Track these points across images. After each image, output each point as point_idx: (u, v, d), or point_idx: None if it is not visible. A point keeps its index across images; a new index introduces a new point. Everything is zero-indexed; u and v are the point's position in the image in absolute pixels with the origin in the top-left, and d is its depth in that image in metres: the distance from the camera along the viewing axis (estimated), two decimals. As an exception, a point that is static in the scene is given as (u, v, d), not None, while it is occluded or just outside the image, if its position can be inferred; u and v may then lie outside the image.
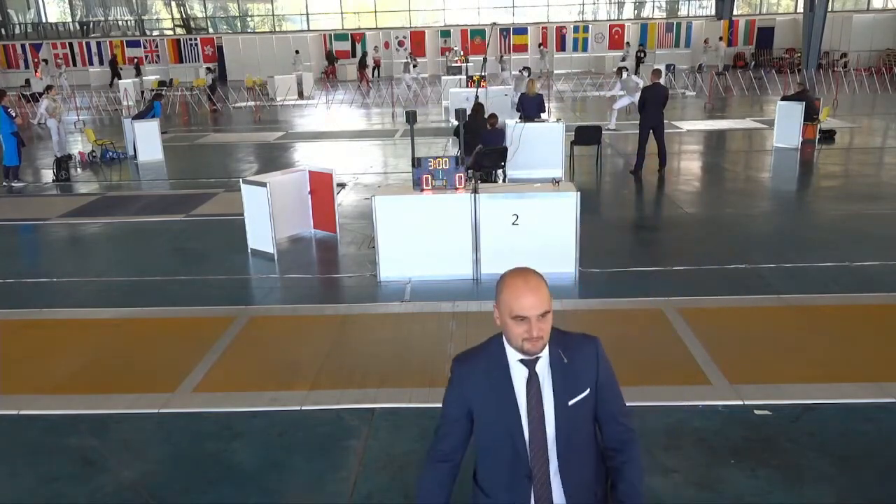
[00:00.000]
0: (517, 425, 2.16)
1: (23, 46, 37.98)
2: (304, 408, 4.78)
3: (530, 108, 12.80)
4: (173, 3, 41.66)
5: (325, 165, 9.00)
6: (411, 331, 5.98)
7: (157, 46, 38.16)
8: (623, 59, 29.85)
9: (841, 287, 6.64)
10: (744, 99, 22.80)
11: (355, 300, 6.79)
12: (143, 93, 26.33)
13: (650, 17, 40.15)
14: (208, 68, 31.55)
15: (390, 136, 17.16)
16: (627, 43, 34.53)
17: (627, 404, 2.32)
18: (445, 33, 36.72)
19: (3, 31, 40.09)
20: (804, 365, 5.15)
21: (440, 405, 2.30)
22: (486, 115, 11.38)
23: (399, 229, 7.10)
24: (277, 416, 4.70)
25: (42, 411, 4.85)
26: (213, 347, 5.72)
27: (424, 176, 7.05)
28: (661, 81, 12.18)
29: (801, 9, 33.01)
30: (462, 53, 33.41)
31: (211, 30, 41.52)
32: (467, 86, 20.10)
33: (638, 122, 12.13)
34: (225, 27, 41.86)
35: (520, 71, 22.19)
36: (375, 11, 39.92)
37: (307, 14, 40.11)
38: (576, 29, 36.97)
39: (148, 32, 41.21)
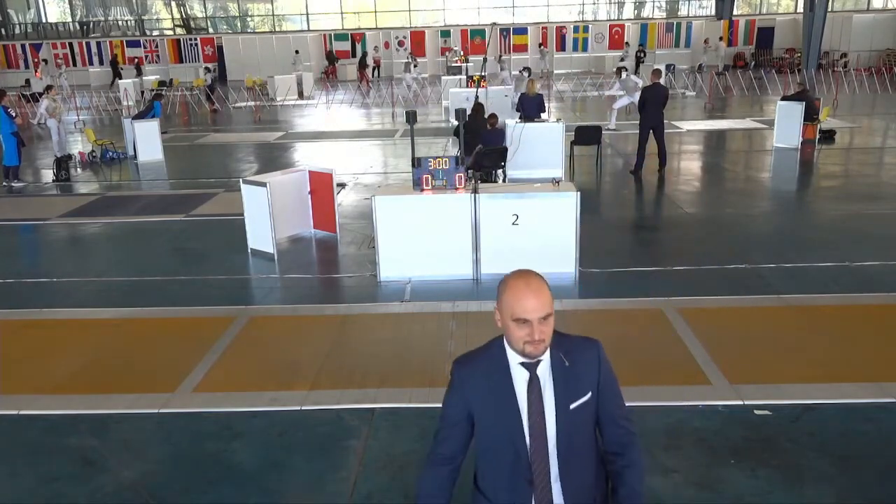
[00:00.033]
0: (518, 429, 2.15)
1: (23, 46, 37.99)
2: (304, 408, 4.78)
3: (530, 108, 12.80)
4: (173, 3, 41.66)
5: (325, 165, 9.00)
6: (411, 331, 5.98)
7: (157, 46, 38.16)
8: (622, 60, 29.83)
9: (841, 287, 6.64)
10: (744, 99, 22.80)
11: (355, 300, 6.79)
12: (143, 93, 26.33)
13: (650, 17, 40.15)
14: (207, 68, 31.54)
15: (390, 136, 17.16)
16: (627, 43, 34.53)
17: (627, 404, 2.31)
18: (445, 33, 36.72)
19: (3, 31, 40.10)
20: (804, 365, 5.15)
21: (440, 406, 2.29)
22: (486, 115, 11.38)
23: (399, 229, 7.10)
24: (277, 416, 4.70)
25: (42, 411, 4.85)
26: (213, 347, 5.72)
27: (424, 176, 7.05)
28: (661, 81, 12.18)
29: (801, 9, 33.01)
30: (462, 53, 33.41)
31: (211, 30, 41.52)
32: (467, 86, 20.10)
33: (638, 122, 12.13)
34: (225, 27, 41.86)
35: (520, 71, 22.20)
36: (375, 11, 39.92)
37: (307, 14, 40.11)
38: (576, 29, 36.97)
39: (148, 32, 41.21)
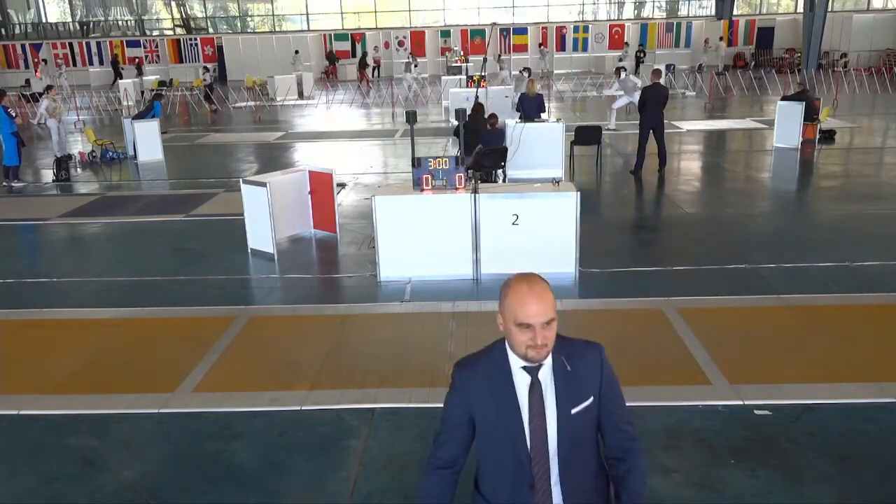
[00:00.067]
0: (519, 432, 2.14)
1: (23, 46, 37.99)
2: (304, 408, 4.78)
3: (530, 108, 12.81)
4: (173, 3, 41.66)
5: (325, 165, 9.00)
6: (411, 331, 5.98)
7: (157, 46, 38.16)
8: (621, 60, 29.83)
9: (841, 287, 6.64)
10: (744, 99, 22.80)
11: (355, 300, 6.79)
12: (143, 93, 26.33)
13: (650, 17, 40.15)
14: (205, 67, 31.52)
15: (390, 136, 17.16)
16: (626, 43, 34.54)
17: (628, 404, 2.31)
18: (445, 33, 36.72)
19: (3, 31, 40.10)
20: (804, 365, 5.15)
21: (440, 405, 2.29)
22: (486, 115, 11.38)
23: (399, 229, 7.10)
24: (277, 416, 4.70)
25: (42, 411, 4.85)
26: (213, 347, 5.72)
27: (424, 176, 7.05)
28: (661, 81, 12.18)
29: (801, 9, 33.01)
30: (462, 53, 33.41)
31: (211, 30, 41.53)
32: (467, 86, 20.10)
33: (638, 122, 12.13)
34: (225, 27, 41.86)
35: (520, 71, 22.19)
36: (375, 11, 39.93)
37: (307, 14, 40.11)
38: (576, 29, 36.97)
39: (148, 32, 41.21)
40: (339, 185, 9.91)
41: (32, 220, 10.36)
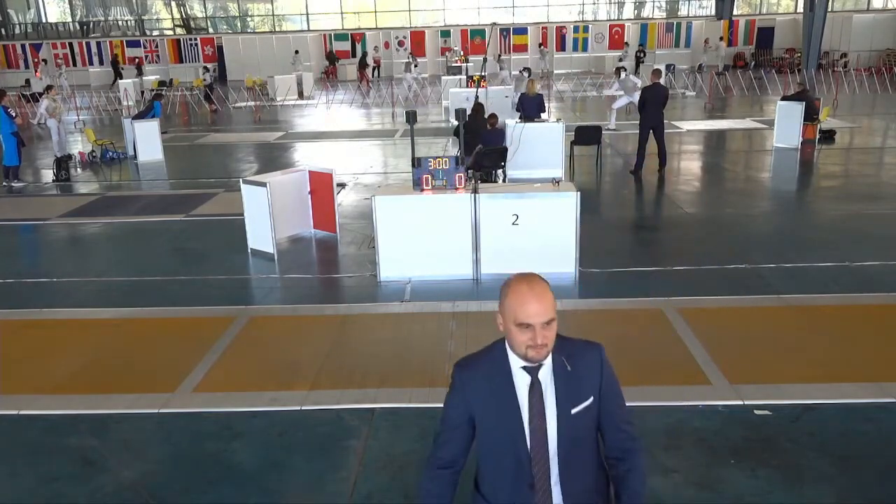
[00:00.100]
0: (519, 433, 2.14)
1: (23, 46, 37.99)
2: (304, 408, 4.78)
3: (530, 108, 12.81)
4: (173, 3, 41.66)
5: (325, 165, 9.00)
6: (411, 331, 5.98)
7: (157, 46, 38.16)
8: (621, 60, 29.84)
9: (841, 287, 6.64)
10: (744, 99, 22.80)
11: (355, 300, 6.79)
12: (143, 93, 26.33)
13: (650, 17, 40.15)
14: (205, 67, 31.53)
15: (390, 136, 17.16)
16: (626, 43, 34.54)
17: (628, 404, 2.31)
18: (445, 33, 36.72)
19: (3, 31, 40.10)
20: (804, 365, 5.15)
21: (440, 405, 2.29)
22: (486, 115, 11.38)
23: (399, 229, 7.10)
24: (277, 416, 4.70)
25: (42, 411, 4.85)
26: (213, 347, 5.72)
27: (424, 176, 7.05)
28: (661, 81, 12.18)
29: (801, 9, 33.01)
30: (462, 53, 33.41)
31: (211, 30, 41.53)
32: (467, 86, 20.10)
33: (638, 122, 12.13)
34: (225, 27, 41.86)
35: (520, 71, 22.20)
36: (375, 11, 39.93)
37: (307, 14, 40.11)
38: (576, 29, 36.96)
39: (148, 32, 41.21)
40: (339, 185, 9.91)
41: (32, 220, 10.36)
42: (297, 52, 32.61)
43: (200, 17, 41.86)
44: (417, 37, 36.66)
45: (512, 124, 11.41)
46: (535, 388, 2.13)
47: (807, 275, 6.99)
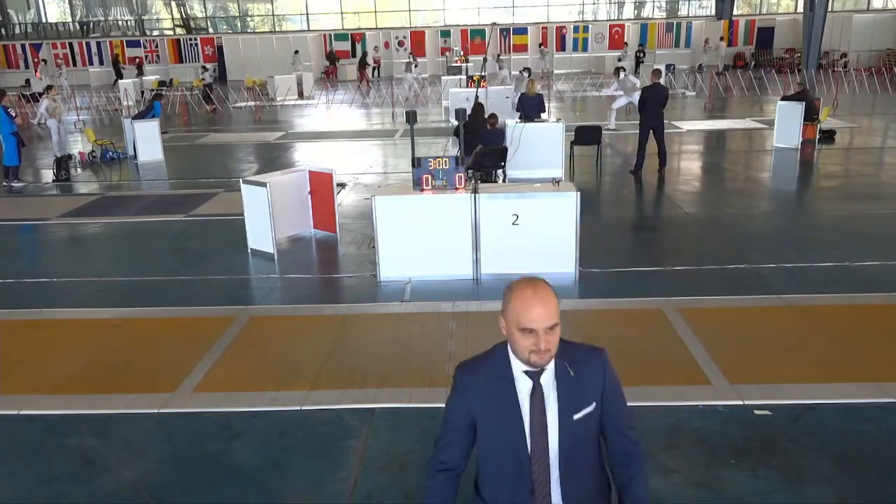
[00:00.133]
0: (520, 437, 2.13)
1: (23, 46, 37.99)
2: (304, 408, 4.78)
3: (530, 108, 12.81)
4: (173, 3, 41.66)
5: (325, 165, 9.00)
6: (411, 331, 5.98)
7: (157, 46, 38.16)
8: (620, 60, 29.84)
9: (841, 287, 6.64)
10: (744, 99, 22.80)
11: (355, 300, 6.79)
12: (143, 93, 26.34)
13: (650, 17, 40.15)
14: (203, 67, 31.51)
15: (390, 136, 17.16)
16: (626, 43, 34.54)
17: (628, 404, 2.30)
18: (445, 33, 36.71)
19: (3, 31, 40.09)
20: (804, 365, 5.15)
21: (440, 406, 2.29)
22: (486, 115, 11.38)
23: (399, 229, 7.10)
24: (277, 416, 4.70)
25: (42, 411, 4.85)
26: (213, 347, 5.72)
27: (424, 176, 7.05)
28: (661, 81, 12.18)
29: (801, 9, 33.01)
30: (462, 53, 33.41)
31: (211, 30, 41.53)
32: (467, 86, 20.10)
33: (638, 122, 12.13)
34: (225, 27, 41.86)
35: (520, 71, 22.20)
36: (375, 11, 39.93)
37: (307, 14, 40.11)
38: (576, 29, 36.97)
39: (148, 32, 41.22)
40: (339, 185, 9.91)
41: (32, 220, 10.36)
42: (296, 52, 32.61)
43: (200, 17, 41.86)
44: (417, 37, 36.66)
45: (512, 124, 11.41)
46: (537, 393, 2.12)
47: (807, 275, 6.99)
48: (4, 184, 12.46)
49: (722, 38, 33.86)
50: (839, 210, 9.56)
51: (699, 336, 5.61)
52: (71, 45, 37.99)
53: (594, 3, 40.04)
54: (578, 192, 6.95)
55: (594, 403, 2.17)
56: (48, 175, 13.24)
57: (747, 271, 7.13)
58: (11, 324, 6.48)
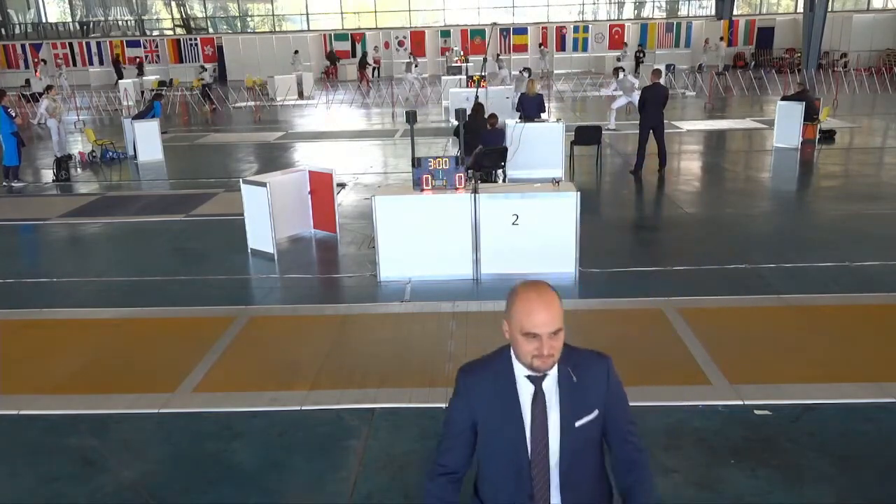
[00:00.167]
0: (521, 441, 2.12)
1: (23, 46, 37.98)
2: (304, 408, 4.78)
3: (530, 108, 12.81)
4: (173, 3, 41.66)
5: (325, 165, 9.00)
6: (411, 331, 5.98)
7: (157, 46, 38.16)
8: (619, 60, 29.84)
9: (841, 287, 6.64)
10: (744, 99, 22.80)
11: (355, 300, 6.79)
12: (143, 93, 26.34)
13: (650, 17, 40.15)
14: (202, 66, 31.47)
15: (390, 136, 17.16)
16: (625, 43, 34.54)
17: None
18: (445, 33, 36.71)
19: (3, 31, 40.09)
20: (804, 365, 5.15)
21: (440, 405, 2.30)
22: (486, 115, 11.38)
23: (399, 229, 7.10)
24: (277, 416, 4.70)
25: (42, 411, 4.85)
26: (213, 347, 5.72)
27: (424, 176, 7.05)
28: (661, 81, 12.18)
29: (801, 9, 33.01)
30: (462, 53, 33.41)
31: (211, 30, 41.53)
32: (467, 86, 20.10)
33: (638, 122, 12.13)
34: (225, 27, 41.86)
35: (520, 71, 22.20)
36: (375, 11, 39.93)
37: (307, 14, 40.11)
38: (576, 29, 36.97)
39: (148, 32, 41.22)
40: (339, 185, 9.91)
41: (32, 220, 10.36)
42: (296, 52, 32.62)
43: (200, 17, 41.86)
44: (417, 37, 36.66)
45: (512, 124, 11.41)
46: (539, 398, 2.11)
47: (807, 275, 6.99)
48: (4, 184, 12.46)
49: (722, 38, 33.86)
50: (839, 210, 9.56)
51: (699, 336, 5.61)
52: (71, 45, 37.99)
53: (594, 3, 40.04)
54: (578, 192, 6.95)
55: (596, 410, 2.15)
56: (48, 175, 13.24)
57: (747, 271, 7.13)
58: (11, 324, 6.47)
